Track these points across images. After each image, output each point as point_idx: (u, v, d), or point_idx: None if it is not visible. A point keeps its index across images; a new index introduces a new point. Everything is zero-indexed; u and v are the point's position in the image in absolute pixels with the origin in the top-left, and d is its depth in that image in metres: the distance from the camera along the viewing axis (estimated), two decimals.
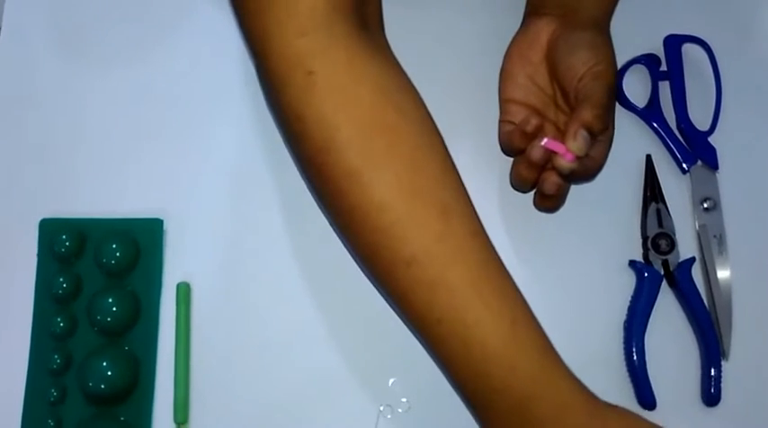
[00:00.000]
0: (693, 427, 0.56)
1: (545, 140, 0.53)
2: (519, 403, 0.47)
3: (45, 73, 0.62)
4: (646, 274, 0.57)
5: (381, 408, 0.57)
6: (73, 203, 0.59)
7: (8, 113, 0.61)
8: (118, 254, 0.58)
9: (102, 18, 0.63)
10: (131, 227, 0.59)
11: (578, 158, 0.52)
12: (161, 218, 0.59)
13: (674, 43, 0.61)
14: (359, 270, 0.58)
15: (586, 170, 0.56)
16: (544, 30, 0.57)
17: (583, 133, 0.52)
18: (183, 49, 0.61)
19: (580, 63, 0.54)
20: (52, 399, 0.57)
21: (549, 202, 0.57)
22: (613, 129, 0.56)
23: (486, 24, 0.62)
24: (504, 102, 0.58)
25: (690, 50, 0.61)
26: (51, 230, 0.59)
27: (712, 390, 0.56)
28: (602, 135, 0.55)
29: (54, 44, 0.62)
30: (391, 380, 0.57)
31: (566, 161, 0.52)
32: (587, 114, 0.52)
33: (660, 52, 0.61)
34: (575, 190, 0.59)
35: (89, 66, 0.62)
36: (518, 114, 0.57)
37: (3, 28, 0.62)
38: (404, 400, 0.57)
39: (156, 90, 0.61)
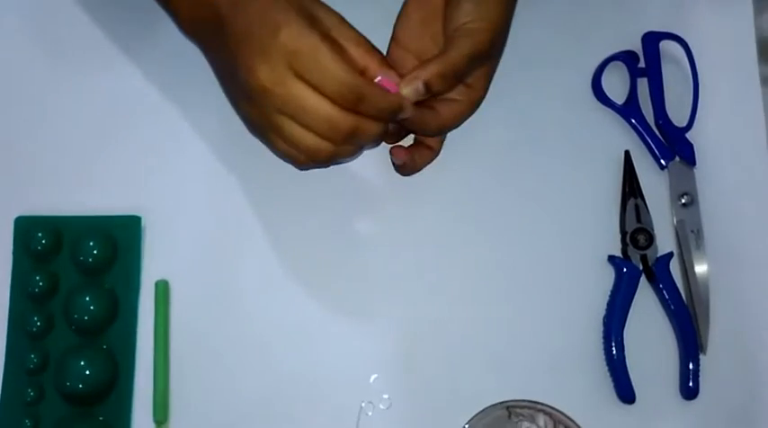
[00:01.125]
0: (672, 420, 0.56)
1: (379, 77, 0.51)
2: None
3: (20, 69, 0.61)
4: (624, 269, 0.58)
5: (363, 404, 0.57)
6: (49, 200, 0.59)
7: None
8: (95, 252, 0.58)
9: (77, 14, 0.61)
10: (109, 225, 0.58)
11: (415, 105, 0.51)
12: (139, 215, 0.59)
13: (652, 40, 0.61)
14: (340, 266, 0.58)
15: (425, 123, 0.53)
16: None
17: (418, 85, 0.51)
18: (160, 44, 0.60)
19: (461, 14, 0.52)
20: (29, 399, 0.56)
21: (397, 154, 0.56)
22: (483, 92, 0.54)
23: None
24: (392, 41, 0.56)
25: (668, 47, 0.61)
26: (27, 228, 0.58)
27: (691, 384, 0.56)
28: (456, 94, 0.53)
29: (28, 40, 0.61)
30: (373, 377, 0.57)
31: (391, 95, 0.50)
32: (431, 69, 0.51)
33: (639, 49, 0.62)
34: (554, 185, 0.60)
35: (64, 62, 0.61)
36: (401, 60, 0.55)
37: None
38: (385, 396, 0.57)
39: (133, 85, 0.60)
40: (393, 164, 0.57)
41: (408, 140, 0.59)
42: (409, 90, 0.51)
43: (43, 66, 0.61)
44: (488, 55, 0.53)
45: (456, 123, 0.55)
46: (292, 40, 0.48)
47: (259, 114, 0.51)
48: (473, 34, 0.52)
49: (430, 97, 0.52)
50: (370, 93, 0.50)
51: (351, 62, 0.50)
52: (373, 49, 0.52)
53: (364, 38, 0.52)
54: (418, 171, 0.57)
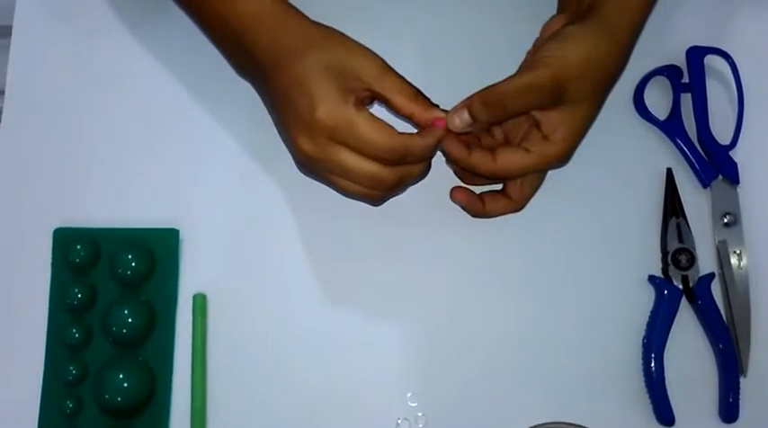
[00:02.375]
0: None
1: (432, 116, 0.51)
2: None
3: (59, 82, 0.61)
4: (665, 290, 0.57)
5: (399, 421, 0.56)
6: (87, 212, 0.59)
7: (23, 122, 0.60)
8: (133, 264, 0.58)
9: (115, 27, 0.61)
10: (147, 237, 0.58)
11: (460, 136, 0.51)
12: (177, 228, 0.59)
13: (696, 55, 0.60)
14: (379, 280, 0.58)
15: (473, 165, 0.52)
16: (554, 22, 0.54)
17: (463, 113, 0.51)
18: (198, 59, 0.60)
19: (544, 48, 0.52)
20: (68, 411, 0.56)
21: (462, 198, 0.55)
22: (560, 148, 0.51)
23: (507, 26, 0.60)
24: None
25: (712, 62, 0.60)
26: (65, 239, 0.58)
27: (731, 406, 0.56)
28: (529, 143, 0.51)
29: (68, 52, 0.61)
30: (409, 394, 0.57)
31: (436, 128, 0.51)
32: (475, 96, 0.51)
33: (682, 64, 0.61)
34: (594, 202, 0.59)
35: (104, 76, 0.61)
36: None
37: (13, 38, 0.61)
38: (420, 414, 0.57)
39: (172, 99, 0.60)
40: (463, 208, 0.56)
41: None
42: (454, 119, 0.51)
43: (81, 79, 0.61)
44: (553, 93, 0.50)
45: (514, 173, 0.53)
46: (329, 116, 0.50)
47: (310, 171, 0.54)
48: (536, 66, 0.51)
49: (480, 129, 0.52)
50: (411, 146, 0.51)
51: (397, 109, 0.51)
52: (416, 94, 0.52)
53: (407, 84, 0.52)
54: (491, 217, 0.56)
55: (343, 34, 0.52)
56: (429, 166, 0.54)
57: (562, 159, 0.53)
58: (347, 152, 0.50)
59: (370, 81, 0.51)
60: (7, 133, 0.60)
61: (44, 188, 0.59)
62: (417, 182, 0.55)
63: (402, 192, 0.55)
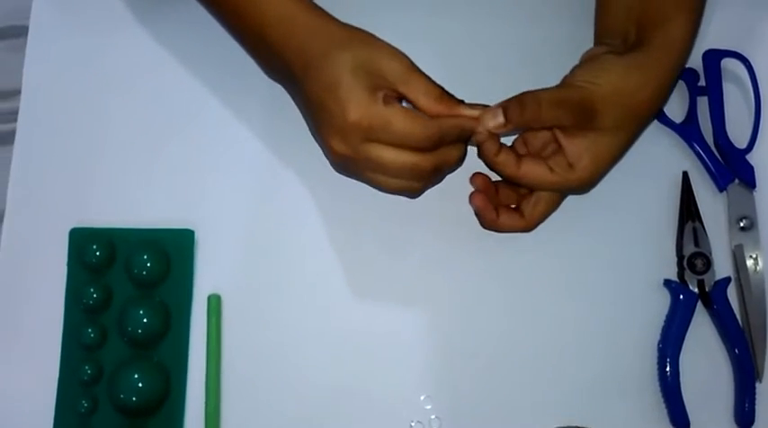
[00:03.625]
0: None
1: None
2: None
3: (75, 82, 0.61)
4: (681, 295, 0.57)
5: (413, 424, 0.57)
6: (103, 213, 0.59)
7: (39, 122, 0.61)
8: (149, 265, 0.58)
9: (133, 26, 0.61)
10: (162, 238, 0.59)
11: (491, 137, 0.52)
12: (192, 228, 0.59)
13: (713, 58, 0.60)
14: (393, 281, 0.58)
15: (500, 164, 0.53)
16: (592, 52, 0.55)
17: (497, 111, 0.51)
18: (213, 60, 0.60)
19: (579, 72, 0.52)
20: (83, 410, 0.56)
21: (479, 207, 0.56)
22: (584, 175, 0.52)
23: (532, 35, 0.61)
24: None
25: (729, 65, 0.60)
26: (81, 240, 0.58)
27: (746, 411, 0.55)
28: (554, 163, 0.52)
29: (84, 53, 0.61)
30: (423, 396, 0.57)
31: (464, 119, 0.51)
32: (517, 100, 0.51)
33: (699, 67, 0.60)
34: (610, 206, 0.59)
35: (120, 76, 0.61)
36: None
37: (29, 38, 0.61)
38: (434, 416, 0.57)
39: (189, 101, 0.60)
40: (474, 212, 0.57)
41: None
42: (488, 118, 0.52)
43: (97, 79, 0.61)
44: (580, 114, 0.51)
45: (532, 184, 0.54)
46: (362, 118, 0.50)
47: (347, 172, 0.54)
48: (570, 88, 0.52)
49: (512, 132, 0.52)
50: (445, 127, 0.51)
51: (423, 110, 0.52)
52: (441, 94, 0.52)
53: (432, 85, 0.52)
54: (500, 231, 0.56)
55: (369, 34, 0.52)
56: (465, 154, 0.54)
57: (583, 186, 0.54)
58: (383, 148, 0.50)
59: (396, 82, 0.51)
60: (23, 133, 0.60)
61: (60, 188, 0.59)
62: (453, 170, 0.54)
63: (439, 182, 0.55)
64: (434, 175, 0.53)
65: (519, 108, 0.51)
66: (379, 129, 0.50)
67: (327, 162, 0.54)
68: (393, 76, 0.51)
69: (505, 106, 0.52)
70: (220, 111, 0.60)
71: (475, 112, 0.52)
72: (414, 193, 0.54)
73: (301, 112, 0.55)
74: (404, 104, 0.53)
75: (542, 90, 0.52)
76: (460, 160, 0.54)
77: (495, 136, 0.53)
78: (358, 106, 0.50)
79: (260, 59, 0.56)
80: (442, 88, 0.52)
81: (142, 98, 0.61)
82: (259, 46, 0.54)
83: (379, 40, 0.52)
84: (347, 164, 0.53)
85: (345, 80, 0.50)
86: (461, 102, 0.53)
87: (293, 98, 0.56)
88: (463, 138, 0.53)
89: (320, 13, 0.53)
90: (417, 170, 0.51)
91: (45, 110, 0.61)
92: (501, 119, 0.52)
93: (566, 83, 0.53)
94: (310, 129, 0.55)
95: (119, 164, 0.60)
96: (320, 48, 0.51)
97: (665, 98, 0.54)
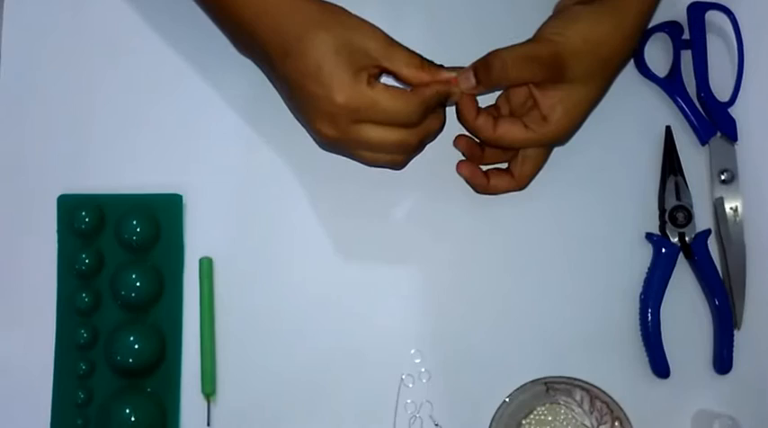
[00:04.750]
0: (706, 394, 0.58)
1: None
2: None
3: (58, 47, 0.60)
4: (662, 248, 0.58)
5: (403, 377, 0.58)
6: (90, 179, 0.59)
7: (22, 90, 0.60)
8: (138, 230, 0.59)
9: None
10: (151, 203, 0.59)
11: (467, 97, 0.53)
12: (180, 193, 0.59)
13: (697, 11, 0.60)
14: (380, 241, 0.59)
15: (478, 128, 0.53)
16: (563, 2, 0.55)
17: (470, 75, 0.52)
18: (200, 24, 0.59)
19: (549, 25, 0.53)
20: (81, 373, 0.58)
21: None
22: (556, 129, 0.53)
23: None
24: None
25: (714, 18, 0.60)
26: (70, 206, 0.59)
27: (724, 359, 0.57)
28: (529, 120, 0.53)
29: (67, 15, 0.60)
30: (412, 350, 0.58)
31: (440, 84, 0.52)
32: (484, 60, 0.52)
33: (683, 20, 0.60)
34: (593, 161, 0.59)
35: (105, 40, 0.60)
36: None
37: (6, 4, 0.60)
38: (423, 370, 0.58)
39: (172, 65, 0.60)
40: (465, 180, 0.57)
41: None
42: (462, 80, 0.52)
43: (81, 47, 0.60)
44: (551, 69, 0.51)
45: (509, 143, 0.54)
46: (349, 100, 0.50)
47: (335, 150, 0.55)
48: (539, 41, 0.52)
49: (485, 91, 0.53)
50: (426, 97, 0.52)
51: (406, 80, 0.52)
52: (422, 62, 0.52)
53: (412, 55, 0.52)
54: (494, 193, 0.57)
55: (343, 10, 0.52)
56: (444, 120, 0.55)
57: (560, 139, 0.54)
58: (371, 127, 0.51)
59: (378, 57, 0.51)
60: (6, 101, 0.60)
61: (47, 156, 0.59)
62: (434, 138, 0.55)
63: (421, 151, 0.55)
64: (419, 147, 0.54)
65: (485, 69, 0.52)
66: (367, 110, 0.50)
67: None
68: (375, 51, 0.51)
69: (475, 67, 0.52)
70: (207, 74, 0.60)
71: (452, 74, 0.53)
72: (400, 166, 0.56)
73: (280, 94, 0.55)
74: (383, 80, 0.53)
75: (508, 48, 0.52)
76: (441, 127, 0.55)
77: (471, 97, 0.53)
78: (343, 89, 0.50)
79: (235, 39, 0.55)
80: (422, 56, 0.52)
81: (128, 63, 0.60)
82: (233, 26, 0.54)
83: (353, 16, 0.52)
84: (336, 145, 0.53)
85: (328, 63, 0.50)
86: (441, 67, 0.53)
87: (270, 78, 0.55)
88: (443, 103, 0.53)
89: None
90: (404, 145, 0.52)
91: (28, 77, 0.60)
92: (473, 80, 0.52)
93: (536, 37, 0.53)
94: (292, 111, 0.55)
95: (105, 130, 0.60)
96: (297, 28, 0.51)
97: (634, 44, 0.54)
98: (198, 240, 0.59)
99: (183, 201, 0.59)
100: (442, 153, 0.58)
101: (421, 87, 0.52)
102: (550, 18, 0.54)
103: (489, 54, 0.52)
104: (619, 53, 0.53)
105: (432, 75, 0.52)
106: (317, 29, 0.50)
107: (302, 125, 0.55)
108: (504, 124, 0.54)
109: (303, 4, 0.52)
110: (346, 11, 0.52)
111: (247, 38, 0.53)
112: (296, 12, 0.51)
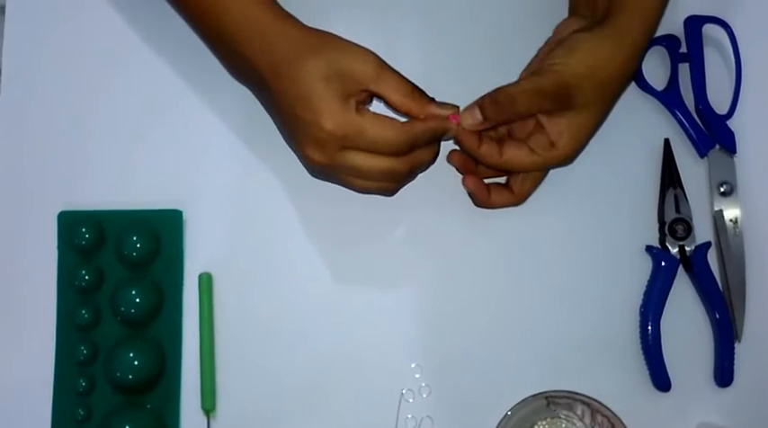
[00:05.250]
0: (707, 408, 0.58)
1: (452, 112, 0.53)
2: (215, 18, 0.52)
3: (59, 64, 0.60)
4: (662, 261, 0.58)
5: (404, 392, 0.58)
6: (90, 195, 0.59)
7: (22, 106, 0.60)
8: (138, 246, 0.59)
9: (118, 5, 0.61)
10: (151, 219, 0.59)
11: (470, 135, 0.53)
12: (180, 208, 0.59)
13: (694, 24, 0.60)
14: (380, 255, 0.59)
15: (482, 155, 0.54)
16: (565, 25, 0.55)
17: (474, 110, 0.53)
18: (196, 37, 0.59)
19: (552, 56, 0.53)
20: (81, 389, 0.58)
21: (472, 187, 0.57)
22: (564, 153, 0.53)
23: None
24: None
25: (711, 32, 0.60)
26: (70, 222, 0.59)
27: (725, 372, 0.57)
28: (535, 144, 0.53)
29: (68, 32, 0.61)
30: (413, 365, 0.58)
31: (449, 122, 0.53)
32: (486, 95, 0.52)
33: (680, 33, 0.60)
34: (592, 173, 0.60)
35: (106, 57, 0.60)
36: None
37: (7, 17, 0.60)
38: (424, 384, 0.58)
39: (172, 82, 0.60)
40: (468, 193, 0.58)
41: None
42: (466, 117, 0.53)
43: (81, 64, 0.60)
44: (557, 100, 0.52)
45: (516, 169, 0.55)
46: (337, 127, 0.50)
47: (324, 176, 0.55)
48: (544, 73, 0.52)
49: (492, 127, 0.54)
50: (417, 132, 0.52)
51: (394, 106, 0.52)
52: (412, 90, 0.53)
53: (403, 81, 0.52)
54: (492, 207, 0.57)
55: (334, 36, 0.52)
56: (437, 153, 0.55)
57: (566, 162, 0.55)
58: (359, 154, 0.52)
59: (367, 81, 0.51)
60: (7, 117, 0.60)
61: (47, 172, 0.60)
62: (427, 168, 0.56)
63: (413, 180, 0.56)
64: (409, 176, 0.55)
65: (493, 106, 0.52)
66: (355, 137, 0.51)
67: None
68: (364, 76, 0.51)
69: (481, 104, 0.53)
70: (207, 90, 0.60)
71: (446, 112, 0.53)
72: (389, 193, 0.56)
73: (273, 119, 0.55)
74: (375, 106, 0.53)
75: (515, 84, 0.53)
76: (433, 159, 0.55)
77: (473, 131, 0.54)
78: (332, 115, 0.50)
79: (227, 63, 0.56)
80: (413, 84, 0.53)
81: (128, 79, 0.60)
82: (226, 51, 0.54)
83: (345, 41, 0.52)
84: (324, 171, 0.54)
85: (318, 90, 0.50)
86: (432, 99, 0.53)
87: (262, 103, 0.56)
88: (436, 140, 0.54)
89: (284, 16, 0.52)
90: (393, 173, 0.53)
91: (29, 93, 0.60)
92: (479, 117, 0.53)
93: (538, 67, 0.53)
94: (283, 136, 0.55)
95: (105, 147, 0.60)
96: (288, 53, 0.51)
97: (635, 66, 0.54)
98: (198, 256, 0.59)
99: (183, 217, 0.59)
100: (439, 169, 0.58)
101: (414, 121, 0.52)
102: (552, 46, 0.54)
103: (495, 91, 0.53)
104: (621, 76, 0.53)
105: (420, 106, 0.52)
106: (308, 54, 0.51)
107: (292, 150, 0.55)
108: (511, 150, 0.54)
109: (293, 28, 0.52)
110: (337, 36, 0.52)
111: (239, 61, 0.53)
112: (286, 35, 0.51)
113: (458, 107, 0.54)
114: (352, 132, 0.51)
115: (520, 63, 0.57)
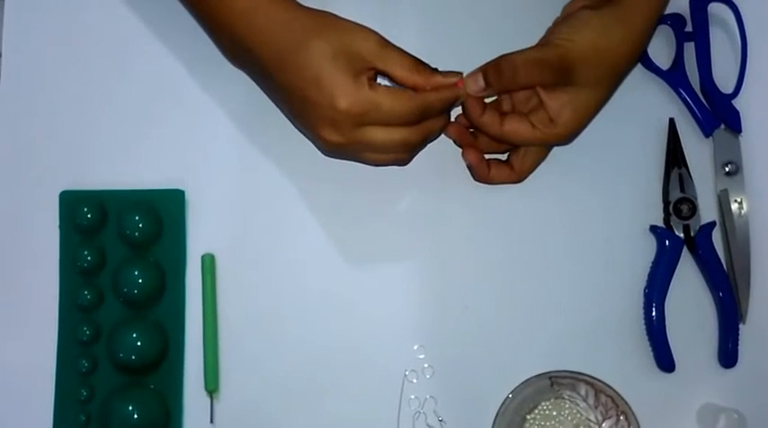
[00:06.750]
0: (711, 388, 0.58)
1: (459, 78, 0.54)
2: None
3: (61, 43, 0.60)
4: (666, 240, 0.58)
5: (407, 373, 0.58)
6: (92, 175, 0.59)
7: (24, 86, 0.60)
8: (140, 226, 0.58)
9: None
10: (153, 198, 0.59)
11: (475, 100, 0.53)
12: (182, 188, 0.59)
13: (700, 3, 0.59)
14: (382, 237, 0.59)
15: (484, 124, 0.54)
16: (574, 3, 0.55)
17: (478, 76, 0.53)
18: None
19: (556, 31, 0.53)
20: (84, 370, 0.58)
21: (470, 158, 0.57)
22: (564, 131, 0.53)
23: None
24: None
25: (716, 10, 0.60)
26: (72, 202, 0.59)
27: (729, 352, 0.57)
28: (536, 120, 0.53)
29: (70, 10, 0.60)
30: (416, 346, 0.58)
31: (459, 89, 0.53)
32: (494, 63, 0.52)
33: (686, 12, 0.60)
34: (596, 153, 0.59)
35: (108, 36, 0.60)
36: None
37: (6, 3, 0.60)
38: (427, 365, 0.58)
39: (174, 62, 0.60)
40: (467, 167, 0.57)
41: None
42: (470, 83, 0.53)
43: (83, 44, 0.60)
44: (559, 73, 0.52)
45: (516, 141, 0.55)
46: (352, 105, 0.50)
47: (339, 155, 0.56)
48: (549, 46, 0.52)
49: (494, 94, 0.54)
50: (430, 101, 0.52)
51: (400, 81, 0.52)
52: (416, 64, 0.53)
53: (406, 56, 0.52)
54: (491, 183, 0.57)
55: (332, 15, 0.52)
56: (448, 121, 0.56)
57: (565, 140, 0.55)
58: (375, 129, 0.52)
59: (372, 59, 0.51)
60: (8, 98, 0.60)
61: (49, 151, 0.59)
62: (437, 137, 0.56)
63: (423, 148, 0.56)
64: (422, 144, 0.55)
65: (496, 73, 0.52)
66: (371, 112, 0.51)
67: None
68: (369, 54, 0.51)
69: (485, 71, 0.53)
70: (210, 70, 0.59)
71: (452, 80, 0.53)
72: (403, 163, 0.56)
73: (277, 105, 0.55)
74: (379, 81, 0.53)
75: (519, 53, 0.52)
76: (445, 126, 0.56)
77: (478, 97, 0.54)
78: (346, 94, 0.50)
79: (229, 53, 0.55)
80: (416, 58, 0.53)
81: (131, 60, 0.60)
82: (227, 40, 0.54)
83: (343, 20, 0.52)
84: (340, 149, 0.53)
85: (327, 70, 0.50)
86: (435, 70, 0.53)
87: (264, 90, 0.55)
88: (446, 110, 0.54)
89: (283, 1, 0.52)
90: (408, 143, 0.53)
91: (30, 73, 0.60)
92: (482, 83, 0.53)
93: (544, 41, 0.53)
94: (291, 121, 0.55)
95: (107, 126, 0.60)
96: (290, 39, 0.51)
97: (641, 49, 0.54)
98: (200, 236, 0.59)
99: (186, 197, 0.59)
100: (441, 147, 0.58)
101: (426, 92, 0.52)
102: (559, 22, 0.54)
103: (499, 58, 0.52)
104: (626, 59, 0.53)
105: (425, 79, 0.52)
106: (311, 37, 0.51)
107: (304, 134, 0.55)
108: (512, 122, 0.54)
109: (293, 14, 0.52)
110: (337, 16, 0.52)
111: (241, 52, 0.53)
112: (288, 23, 0.51)
113: (461, 73, 0.54)
114: (367, 108, 0.51)
115: (519, 46, 0.56)
